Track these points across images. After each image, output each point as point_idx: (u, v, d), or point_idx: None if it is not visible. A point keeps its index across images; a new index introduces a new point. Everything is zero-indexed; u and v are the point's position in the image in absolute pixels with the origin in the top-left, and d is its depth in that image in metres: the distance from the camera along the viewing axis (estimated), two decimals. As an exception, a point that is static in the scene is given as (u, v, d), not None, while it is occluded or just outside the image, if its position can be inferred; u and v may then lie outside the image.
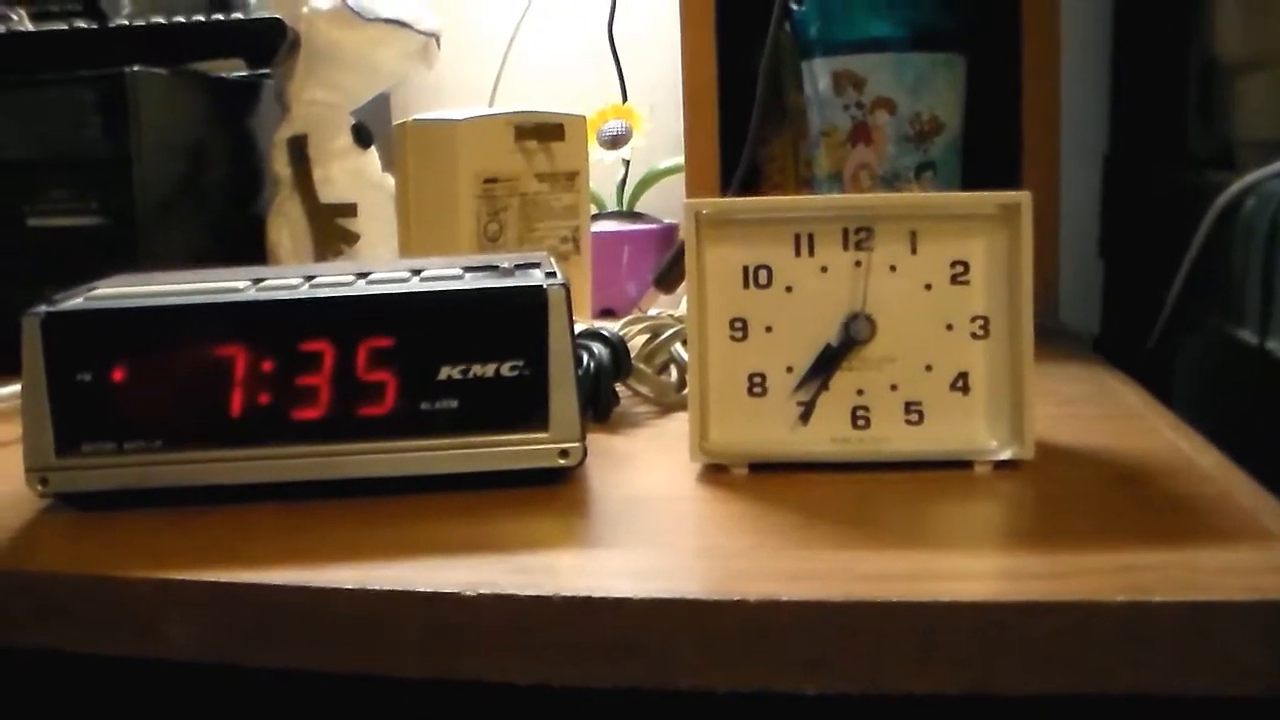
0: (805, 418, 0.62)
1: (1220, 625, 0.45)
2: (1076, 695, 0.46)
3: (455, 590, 0.49)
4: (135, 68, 0.94)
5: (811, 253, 0.62)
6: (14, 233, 0.95)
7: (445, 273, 0.64)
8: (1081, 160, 1.15)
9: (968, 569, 0.50)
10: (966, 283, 0.62)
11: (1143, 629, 0.45)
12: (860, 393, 0.62)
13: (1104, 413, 0.72)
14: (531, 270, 0.64)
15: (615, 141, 1.24)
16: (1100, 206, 1.19)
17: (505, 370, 0.60)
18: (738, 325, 0.63)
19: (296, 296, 0.61)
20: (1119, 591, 0.46)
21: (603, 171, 1.23)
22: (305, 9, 1.04)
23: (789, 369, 0.62)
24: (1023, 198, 0.60)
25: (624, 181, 1.27)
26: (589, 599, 0.48)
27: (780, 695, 0.47)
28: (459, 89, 1.34)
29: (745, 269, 0.62)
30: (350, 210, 1.06)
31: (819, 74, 0.94)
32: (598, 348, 0.74)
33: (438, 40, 1.12)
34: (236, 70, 1.10)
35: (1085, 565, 0.49)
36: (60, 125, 0.94)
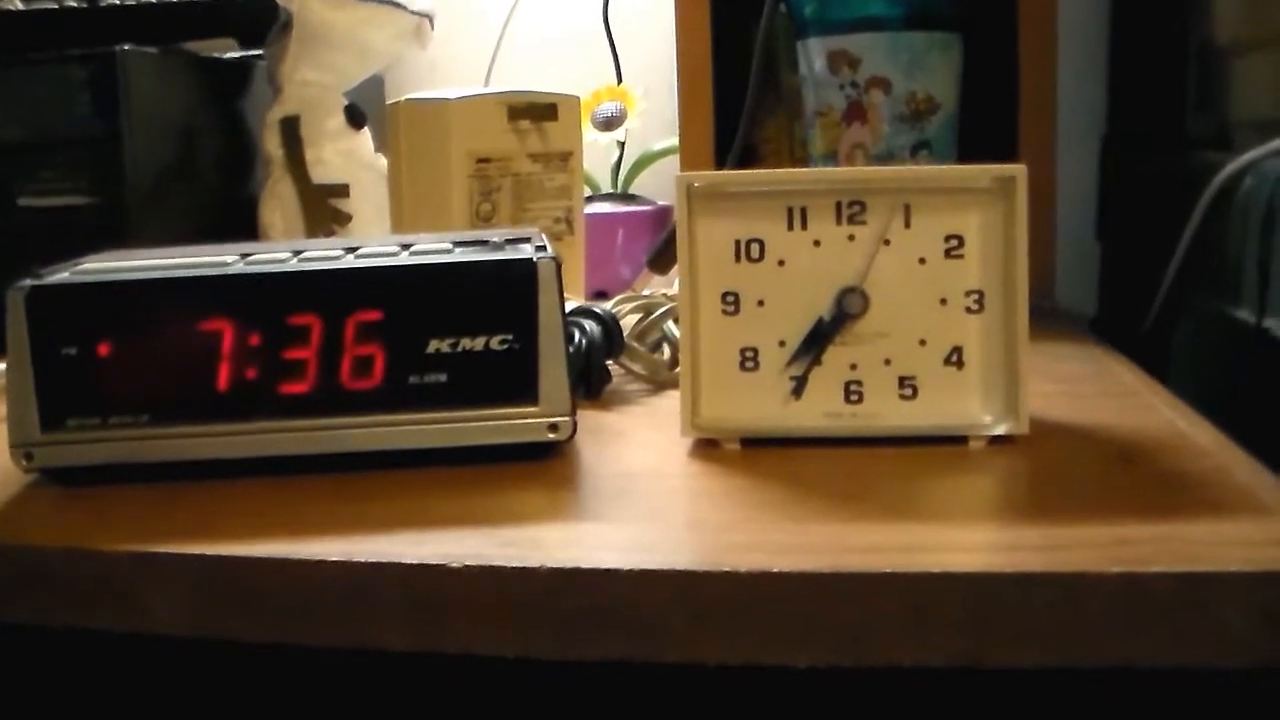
0: (798, 392, 0.62)
1: (1215, 597, 0.45)
2: (1070, 667, 0.46)
3: (441, 562, 0.48)
4: (126, 47, 0.93)
5: (804, 226, 0.61)
6: (4, 212, 0.94)
7: (435, 247, 0.63)
8: (1078, 142, 1.15)
9: (960, 541, 0.49)
10: (961, 257, 0.61)
11: (1137, 601, 0.45)
12: (853, 367, 0.62)
13: (1100, 391, 0.71)
14: (522, 244, 0.63)
15: (609, 123, 1.23)
16: (1097, 189, 1.19)
17: (495, 344, 0.60)
18: (730, 299, 0.62)
19: (284, 269, 0.60)
20: (1113, 563, 0.45)
21: (597, 153, 1.23)
22: (297, -12, 1.03)
23: (781, 343, 0.62)
24: (1018, 170, 0.59)
25: (618, 163, 1.27)
26: (576, 570, 0.47)
27: (770, 667, 0.47)
28: (453, 70, 1.33)
29: (737, 243, 0.62)
30: (343, 191, 1.06)
31: (814, 54, 0.93)
32: (589, 325, 0.73)
33: (431, 20, 1.12)
34: (228, 50, 1.09)
35: (1079, 538, 0.48)
36: (50, 104, 0.93)
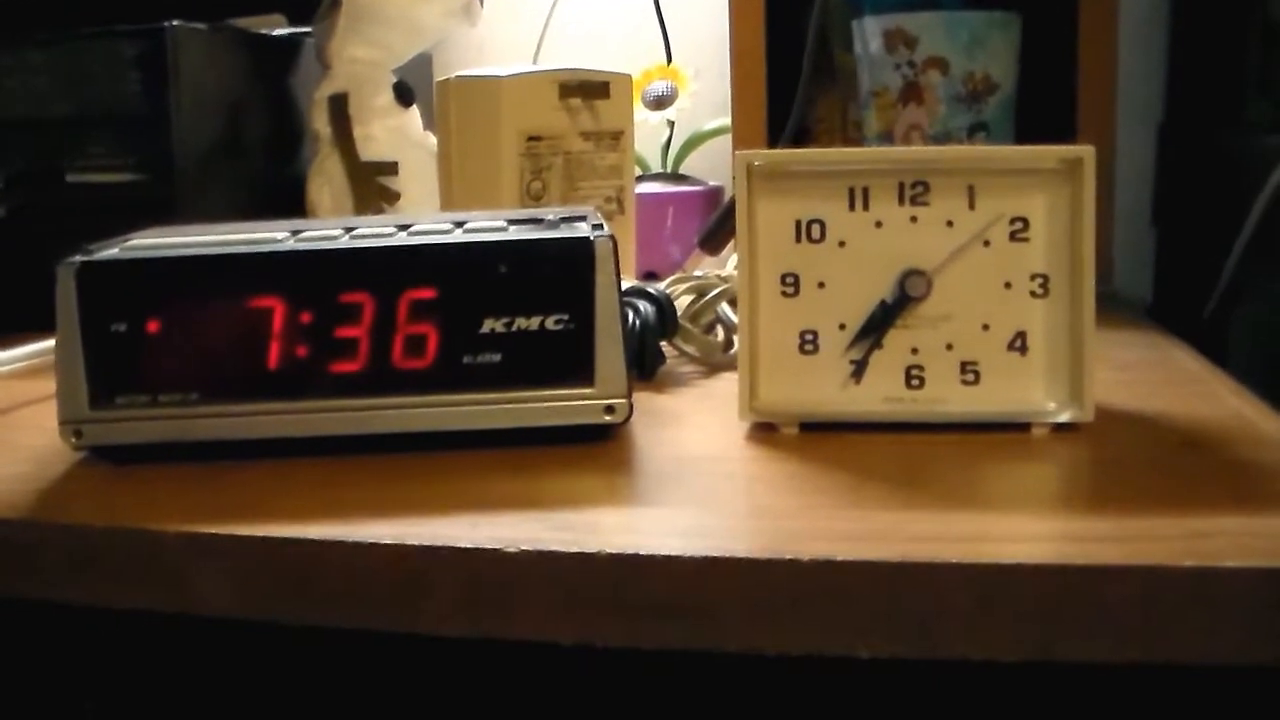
0: (858, 376, 0.61)
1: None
2: (1143, 663, 0.44)
3: (496, 546, 0.47)
4: (175, 23, 0.92)
5: (866, 207, 0.60)
6: (53, 188, 0.94)
7: (489, 225, 0.62)
8: (1135, 127, 1.13)
9: (1028, 531, 0.48)
10: (1026, 240, 0.60)
11: (1213, 595, 0.43)
12: (915, 351, 0.60)
13: (1164, 378, 0.70)
14: (577, 223, 0.62)
15: (660, 102, 1.22)
16: (1154, 174, 1.17)
17: (550, 323, 0.59)
18: (789, 281, 0.61)
19: (336, 246, 0.60)
20: (1187, 556, 0.44)
21: (647, 133, 1.21)
22: (347, -36, 1.03)
23: (841, 326, 0.61)
24: (1085, 152, 0.58)
25: (668, 143, 1.25)
26: (635, 556, 0.46)
27: (832, 658, 0.46)
28: (502, 48, 1.33)
29: (798, 223, 0.61)
30: (391, 169, 1.05)
31: (870, 33, 0.92)
32: (643, 305, 0.72)
33: (481, -2, 1.11)
34: (277, 26, 1.09)
35: (1150, 529, 0.47)
36: (99, 81, 0.93)
